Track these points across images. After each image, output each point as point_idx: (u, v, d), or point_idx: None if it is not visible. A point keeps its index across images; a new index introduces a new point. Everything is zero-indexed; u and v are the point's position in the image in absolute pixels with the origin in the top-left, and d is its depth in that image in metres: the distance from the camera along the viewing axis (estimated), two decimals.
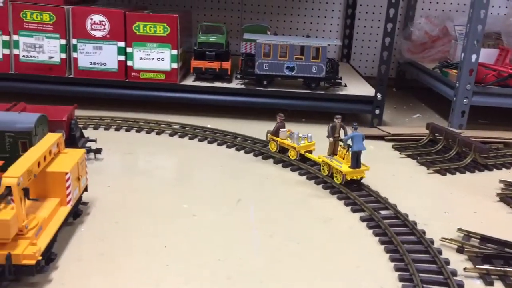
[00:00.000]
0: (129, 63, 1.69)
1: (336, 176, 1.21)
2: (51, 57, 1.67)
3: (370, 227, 1.04)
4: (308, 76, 1.71)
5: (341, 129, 1.28)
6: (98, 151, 1.31)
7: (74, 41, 1.66)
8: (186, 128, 1.57)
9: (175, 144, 1.47)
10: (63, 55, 1.67)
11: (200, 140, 1.50)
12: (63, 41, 1.66)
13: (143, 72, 1.70)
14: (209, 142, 1.49)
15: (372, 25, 2.38)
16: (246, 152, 1.43)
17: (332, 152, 1.28)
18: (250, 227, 1.02)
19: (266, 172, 1.30)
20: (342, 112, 1.74)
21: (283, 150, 1.37)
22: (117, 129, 1.55)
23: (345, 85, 1.77)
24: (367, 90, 1.79)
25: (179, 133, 1.54)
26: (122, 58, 1.69)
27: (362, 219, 1.07)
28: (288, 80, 1.76)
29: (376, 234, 1.01)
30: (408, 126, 1.80)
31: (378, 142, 1.60)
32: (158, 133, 1.54)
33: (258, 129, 1.58)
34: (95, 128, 1.54)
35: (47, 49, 1.66)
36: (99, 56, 1.68)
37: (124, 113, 1.68)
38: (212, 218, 1.04)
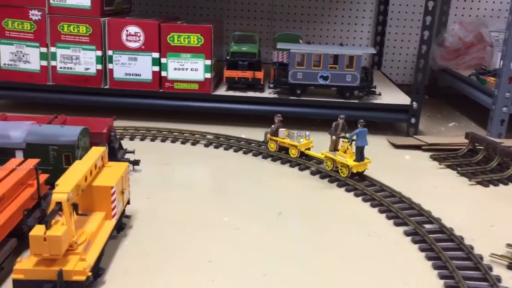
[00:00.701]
0: (163, 73, 1.70)
1: (341, 170, 1.30)
2: (87, 68, 1.69)
3: (415, 242, 1.02)
4: (342, 85, 1.69)
5: (343, 127, 1.36)
6: (136, 162, 1.32)
7: (109, 52, 1.68)
8: (221, 139, 1.57)
9: (211, 155, 1.47)
10: (99, 66, 1.69)
11: (235, 151, 1.50)
12: (99, 53, 1.68)
13: (177, 83, 1.71)
14: (244, 153, 1.48)
15: (403, 31, 2.35)
16: (282, 163, 1.42)
17: (334, 148, 1.35)
18: (294, 240, 1.01)
19: (304, 183, 1.29)
20: (377, 121, 1.73)
21: (281, 149, 1.45)
22: (152, 140, 1.56)
23: (380, 94, 1.74)
24: (401, 98, 1.77)
25: (214, 144, 1.54)
26: (156, 68, 1.70)
27: (406, 233, 1.05)
28: (321, 89, 1.75)
29: (422, 250, 0.99)
30: (445, 135, 1.76)
31: (414, 152, 1.58)
32: (193, 144, 1.55)
33: None
34: (131, 139, 1.55)
35: (83, 61, 1.69)
36: (134, 67, 1.69)
37: (158, 123, 1.69)
38: (255, 232, 1.03)
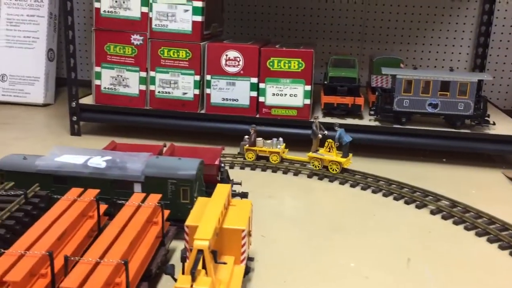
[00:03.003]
0: (261, 99, 1.66)
1: (332, 167, 1.44)
2: (184, 93, 1.68)
3: None
4: (453, 113, 1.57)
5: (320, 127, 1.50)
6: (244, 195, 1.26)
7: (208, 77, 1.66)
8: (322, 169, 1.49)
9: (315, 187, 1.40)
10: (196, 91, 1.67)
11: (341, 183, 1.42)
12: (197, 77, 1.66)
13: (275, 108, 1.66)
14: (352, 186, 1.40)
15: (506, 54, 2.18)
16: (395, 199, 1.32)
17: (316, 149, 1.48)
18: None
19: (424, 222, 1.19)
20: (490, 153, 1.60)
21: (259, 157, 1.53)
22: (252, 169, 1.50)
23: (494, 123, 1.61)
24: None
25: (317, 175, 1.46)
26: (254, 94, 1.65)
27: None
28: (426, 117, 1.63)
29: None
30: None
31: None
32: (295, 174, 1.48)
33: (398, 170, 1.47)
34: (231, 167, 1.51)
35: (182, 85, 1.67)
36: (231, 92, 1.66)
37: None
38: (387, 282, 0.94)
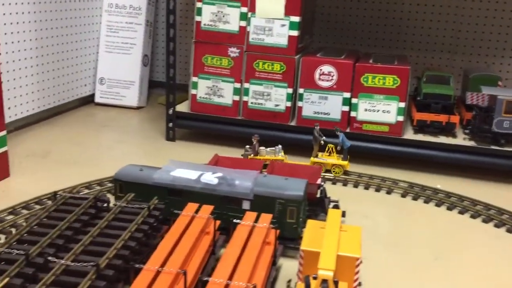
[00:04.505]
0: (352, 113, 1.67)
1: (334, 170, 1.54)
2: (277, 105, 1.72)
3: None
4: None
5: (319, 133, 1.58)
6: (342, 214, 1.28)
7: (301, 90, 1.69)
8: (415, 188, 1.48)
9: (410, 208, 1.39)
10: (288, 104, 1.71)
11: (437, 205, 1.40)
12: (290, 90, 1.70)
13: (366, 124, 1.66)
14: (448, 209, 1.38)
15: None
16: (496, 226, 1.29)
17: (316, 154, 1.57)
18: None
19: None
20: None
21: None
22: (344, 184, 1.52)
23: None
24: None
25: (411, 194, 1.45)
26: (346, 108, 1.66)
27: None
28: None
29: None
30: None
31: None
32: (388, 192, 1.48)
33: (500, 195, 1.44)
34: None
35: (274, 97, 1.71)
36: (323, 105, 1.68)
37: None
38: None
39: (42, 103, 1.94)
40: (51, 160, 1.59)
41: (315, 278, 0.78)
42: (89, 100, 2.26)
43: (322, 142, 1.57)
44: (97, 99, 2.24)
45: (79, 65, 2.14)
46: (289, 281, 0.94)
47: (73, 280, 0.79)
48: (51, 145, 1.73)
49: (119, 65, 2.21)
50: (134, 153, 1.73)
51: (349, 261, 0.88)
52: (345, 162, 1.54)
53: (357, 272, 0.89)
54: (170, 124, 1.83)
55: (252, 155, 1.55)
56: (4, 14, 1.69)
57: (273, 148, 1.57)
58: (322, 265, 0.77)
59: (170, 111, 1.82)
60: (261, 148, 1.57)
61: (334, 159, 1.55)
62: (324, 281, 0.75)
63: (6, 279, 0.78)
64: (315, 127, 1.58)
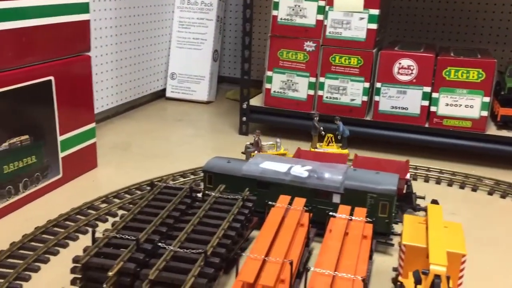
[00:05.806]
0: (432, 108, 1.62)
1: None
2: (352, 100, 1.70)
3: None
4: None
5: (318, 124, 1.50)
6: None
7: (378, 84, 1.66)
8: (501, 185, 1.43)
9: (499, 206, 1.34)
10: (365, 98, 1.68)
11: None
12: (367, 84, 1.67)
13: (447, 119, 1.61)
14: None
15: None
16: None
17: (315, 145, 1.51)
18: None
19: None
20: None
21: None
22: (426, 180, 1.48)
23: None
24: None
25: (498, 192, 1.40)
26: (425, 103, 1.62)
27: None
28: None
29: None
30: None
31: None
32: (473, 190, 1.43)
33: None
34: None
35: (350, 92, 1.69)
36: (401, 100, 1.64)
37: (420, 160, 1.61)
38: None
39: (120, 97, 2.01)
40: (132, 153, 1.65)
41: (424, 273, 0.77)
42: (160, 94, 2.32)
43: (323, 133, 1.52)
44: (168, 93, 2.30)
45: (152, 60, 2.20)
46: (397, 275, 0.92)
47: (183, 266, 0.81)
48: (130, 138, 1.78)
49: (190, 60, 2.26)
50: (209, 147, 1.76)
51: (455, 258, 0.86)
52: (346, 151, 1.50)
53: (462, 269, 0.86)
54: (244, 118, 1.85)
55: (255, 151, 1.46)
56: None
57: (272, 142, 1.51)
58: (435, 260, 0.76)
59: (244, 105, 1.83)
60: (263, 143, 1.50)
61: (334, 149, 1.51)
62: (437, 276, 0.74)
63: (121, 263, 0.81)
64: (314, 118, 1.52)
